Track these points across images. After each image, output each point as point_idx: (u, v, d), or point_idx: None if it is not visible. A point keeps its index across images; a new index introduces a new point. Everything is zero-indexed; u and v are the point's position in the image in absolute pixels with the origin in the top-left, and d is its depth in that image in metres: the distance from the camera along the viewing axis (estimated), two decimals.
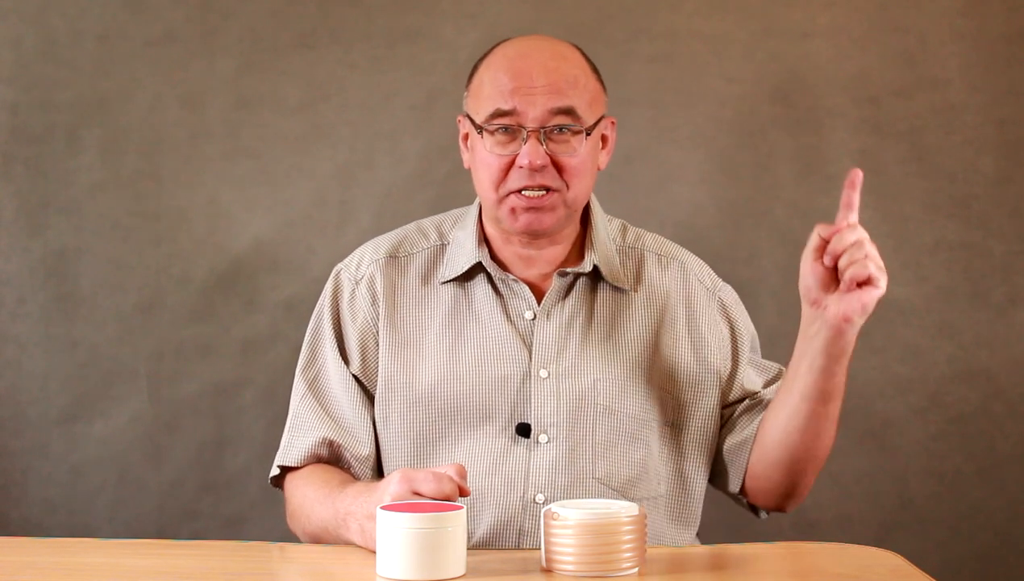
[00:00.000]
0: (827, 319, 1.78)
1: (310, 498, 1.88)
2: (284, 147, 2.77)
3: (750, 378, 2.02)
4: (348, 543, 1.78)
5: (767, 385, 2.03)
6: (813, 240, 1.78)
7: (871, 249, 1.74)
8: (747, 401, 2.01)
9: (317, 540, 1.86)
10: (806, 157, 2.77)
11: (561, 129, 1.89)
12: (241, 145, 2.76)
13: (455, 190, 2.65)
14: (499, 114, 1.89)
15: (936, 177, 2.76)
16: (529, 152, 1.87)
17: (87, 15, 2.75)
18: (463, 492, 1.68)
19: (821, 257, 1.76)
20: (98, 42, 2.75)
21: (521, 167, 1.88)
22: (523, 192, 1.90)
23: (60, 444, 2.76)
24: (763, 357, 2.09)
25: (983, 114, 2.75)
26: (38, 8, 2.74)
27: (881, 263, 1.75)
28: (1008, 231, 2.76)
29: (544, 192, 1.90)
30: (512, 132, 1.89)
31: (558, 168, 1.90)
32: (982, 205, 2.76)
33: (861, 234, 1.74)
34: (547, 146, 1.88)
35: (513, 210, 1.91)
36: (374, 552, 1.64)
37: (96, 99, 2.75)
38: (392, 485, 1.69)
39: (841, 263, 1.74)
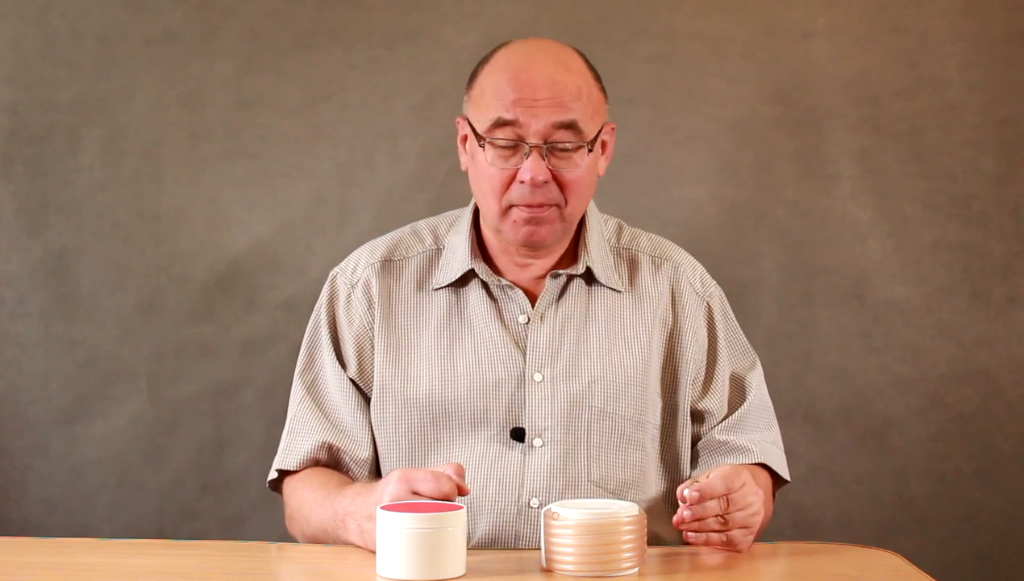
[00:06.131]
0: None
1: (308, 501, 1.88)
2: (284, 147, 2.77)
3: (719, 400, 2.01)
4: (347, 544, 1.78)
5: (732, 409, 2.01)
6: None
7: (733, 513, 1.73)
8: (701, 440, 2.00)
9: (316, 542, 1.86)
10: (806, 157, 2.77)
11: (563, 145, 1.86)
12: (241, 145, 2.76)
13: (455, 190, 2.65)
14: (501, 123, 1.85)
15: (936, 177, 2.76)
16: (531, 168, 1.84)
17: (87, 15, 2.75)
18: (462, 491, 1.68)
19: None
20: (98, 42, 2.75)
21: (523, 182, 1.86)
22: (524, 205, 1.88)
23: (60, 444, 2.76)
24: (761, 358, 2.08)
25: (983, 114, 2.75)
26: (38, 8, 2.74)
27: (745, 522, 1.75)
28: (1008, 231, 2.76)
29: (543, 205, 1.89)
30: (514, 145, 1.86)
31: (559, 182, 1.87)
32: (982, 205, 2.76)
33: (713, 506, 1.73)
34: (549, 161, 1.85)
35: (515, 222, 1.90)
36: (373, 552, 1.64)
37: (96, 99, 2.75)
38: (391, 485, 1.69)
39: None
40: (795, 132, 2.77)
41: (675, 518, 1.73)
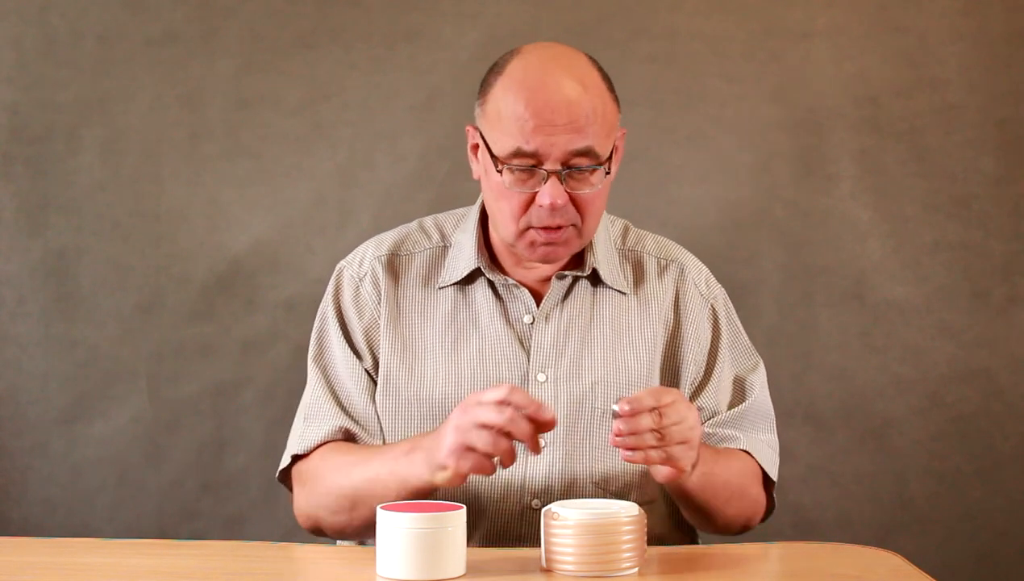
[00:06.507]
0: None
1: (347, 463, 1.86)
2: (284, 147, 2.77)
3: (715, 398, 2.00)
4: (404, 483, 1.77)
5: (730, 409, 2.00)
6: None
7: (668, 428, 1.70)
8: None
9: (351, 503, 1.84)
10: (806, 157, 2.77)
11: (580, 167, 1.86)
12: (241, 145, 2.76)
13: (455, 190, 2.66)
14: (520, 154, 1.85)
15: (936, 177, 2.77)
16: (551, 193, 1.84)
17: (87, 15, 2.75)
18: (549, 423, 1.68)
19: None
20: (98, 42, 2.75)
21: (542, 206, 1.86)
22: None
23: (60, 444, 2.76)
24: (763, 357, 2.07)
25: (983, 114, 2.75)
26: (38, 8, 2.74)
27: (679, 439, 1.71)
28: (1008, 231, 2.76)
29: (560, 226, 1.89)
30: (531, 170, 1.86)
31: (575, 202, 1.87)
32: (982, 205, 2.76)
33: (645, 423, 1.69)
34: (567, 184, 1.85)
35: (532, 243, 1.90)
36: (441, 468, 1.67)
37: (96, 99, 2.75)
38: (455, 413, 1.70)
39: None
40: (795, 132, 2.77)
41: (611, 436, 1.69)
